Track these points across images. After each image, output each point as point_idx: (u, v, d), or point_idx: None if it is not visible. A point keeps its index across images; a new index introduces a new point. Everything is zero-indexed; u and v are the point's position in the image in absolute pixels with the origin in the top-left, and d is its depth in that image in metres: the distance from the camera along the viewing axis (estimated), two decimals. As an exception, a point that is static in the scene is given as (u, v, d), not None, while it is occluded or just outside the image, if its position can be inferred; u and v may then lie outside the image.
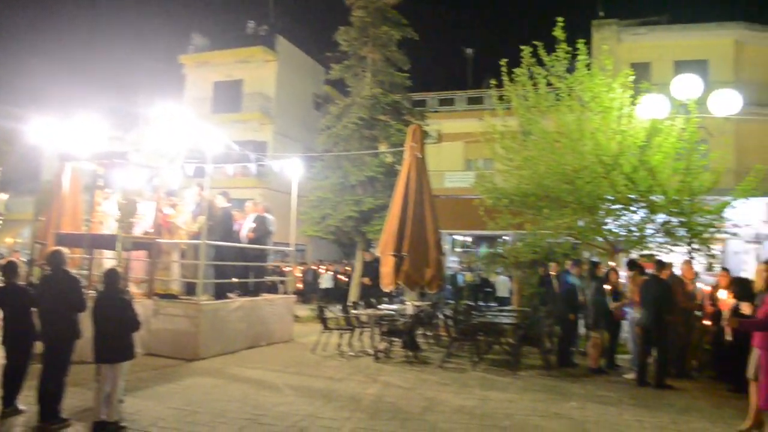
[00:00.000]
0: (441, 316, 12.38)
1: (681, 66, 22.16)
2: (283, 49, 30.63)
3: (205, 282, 10.56)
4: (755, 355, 6.38)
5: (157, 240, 10.98)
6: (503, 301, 18.51)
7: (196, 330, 10.07)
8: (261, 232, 12.45)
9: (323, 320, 11.54)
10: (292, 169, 13.72)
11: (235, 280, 11.71)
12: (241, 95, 30.02)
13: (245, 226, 12.46)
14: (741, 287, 8.12)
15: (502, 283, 19.52)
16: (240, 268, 11.99)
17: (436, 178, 19.68)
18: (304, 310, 16.94)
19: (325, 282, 22.18)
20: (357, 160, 18.85)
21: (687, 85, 11.24)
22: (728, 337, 7.05)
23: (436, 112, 27.30)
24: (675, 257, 12.37)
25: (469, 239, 25.86)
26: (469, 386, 8.77)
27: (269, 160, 14.69)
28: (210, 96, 30.31)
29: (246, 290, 12.20)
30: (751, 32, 24.66)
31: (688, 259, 11.59)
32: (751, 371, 6.72)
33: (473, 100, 28.65)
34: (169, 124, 10.23)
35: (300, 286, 22.03)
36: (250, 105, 29.55)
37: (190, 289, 10.86)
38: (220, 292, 11.18)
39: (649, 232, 12.42)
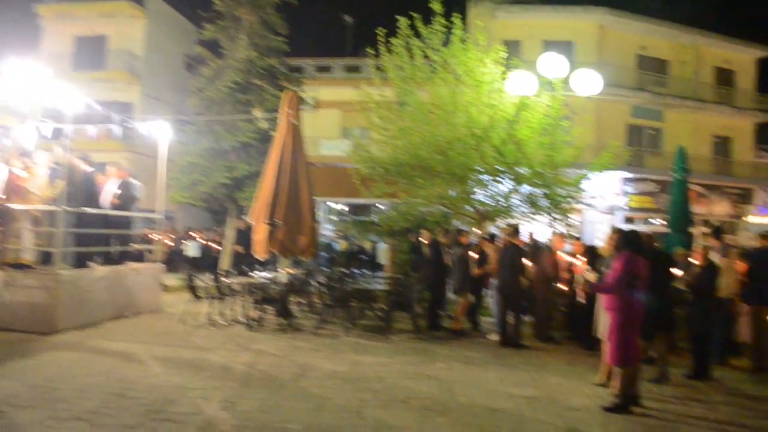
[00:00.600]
0: (315, 284, 12.41)
1: (549, 45, 23.30)
2: (152, 5, 28.90)
3: (63, 251, 9.90)
4: (605, 316, 6.92)
5: (7, 205, 10.12)
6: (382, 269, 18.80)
7: (54, 302, 9.44)
8: (125, 198, 11.82)
9: (193, 289, 11.23)
10: (160, 132, 13.06)
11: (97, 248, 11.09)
12: (105, 52, 28.08)
13: (108, 191, 11.77)
14: (593, 254, 8.81)
15: (384, 251, 19.81)
16: (103, 236, 11.35)
17: (312, 146, 19.55)
18: (173, 279, 16.38)
19: (191, 250, 21.45)
20: (230, 125, 18.27)
21: (553, 64, 11.81)
22: (581, 299, 7.60)
23: (313, 78, 27.00)
24: (539, 227, 13.20)
25: (345, 207, 26.02)
26: (342, 351, 8.90)
27: (136, 122, 13.88)
28: (71, 51, 28.07)
29: (110, 259, 11.59)
30: (612, 17, 26.31)
31: (559, 231, 12.35)
32: (600, 331, 7.32)
33: (351, 69, 28.60)
34: (23, 80, 9.38)
35: (168, 254, 21.18)
36: (115, 63, 27.73)
37: (47, 258, 10.15)
38: (81, 261, 10.54)
39: (514, 202, 13.07)
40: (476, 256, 10.92)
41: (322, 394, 6.61)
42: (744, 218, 29.28)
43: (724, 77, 29.61)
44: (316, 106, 24.45)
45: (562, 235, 11.55)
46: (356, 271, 14.22)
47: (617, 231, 7.51)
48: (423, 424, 5.82)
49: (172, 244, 22.59)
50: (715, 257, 8.96)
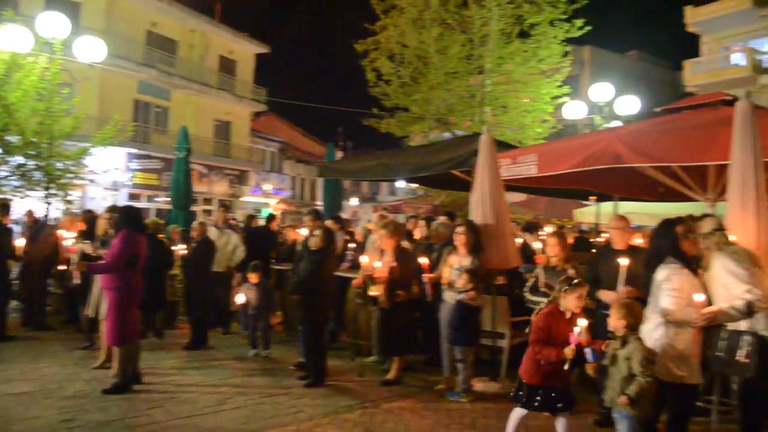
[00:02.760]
0: None
1: (52, 3, 21.29)
2: None
3: None
4: (103, 295, 6.68)
5: None
6: None
7: None
8: None
9: None
10: None
11: None
12: None
13: None
14: (89, 233, 8.39)
15: None
16: None
17: None
18: None
19: None
20: None
21: (54, 24, 11.05)
22: (77, 281, 7.10)
23: None
24: (35, 203, 12.13)
25: None
26: None
27: None
28: None
29: None
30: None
31: (69, 212, 11.44)
32: (101, 312, 7.01)
33: None
34: None
35: None
36: None
37: None
38: None
39: (2, 174, 11.77)
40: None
41: None
42: (241, 197, 32.50)
43: (228, 66, 32.07)
44: None
45: (72, 216, 10.79)
46: None
47: (113, 209, 7.42)
48: None
49: None
50: (213, 233, 9.51)
